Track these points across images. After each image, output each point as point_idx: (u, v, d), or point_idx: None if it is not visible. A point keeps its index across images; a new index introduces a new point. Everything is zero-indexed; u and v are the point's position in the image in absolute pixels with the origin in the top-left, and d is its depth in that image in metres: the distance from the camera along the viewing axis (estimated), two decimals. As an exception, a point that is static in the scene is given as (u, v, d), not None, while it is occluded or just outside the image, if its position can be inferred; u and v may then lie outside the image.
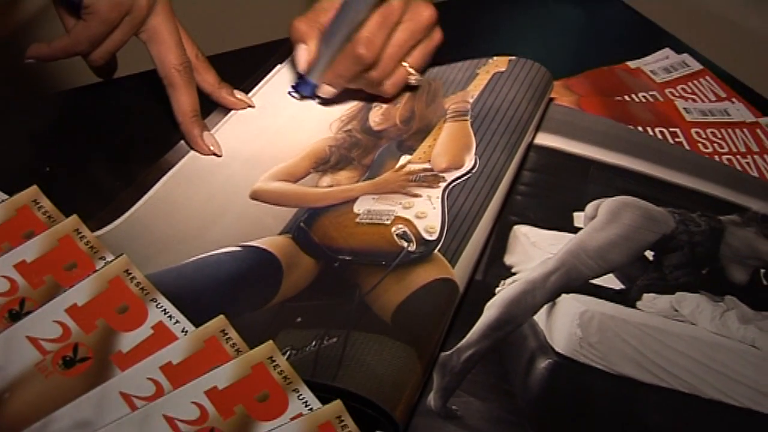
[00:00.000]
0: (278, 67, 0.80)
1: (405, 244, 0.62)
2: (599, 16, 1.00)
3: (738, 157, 0.80)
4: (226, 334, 0.53)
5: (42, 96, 0.91)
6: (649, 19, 0.99)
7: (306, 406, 0.51)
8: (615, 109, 0.82)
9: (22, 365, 0.49)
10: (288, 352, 0.54)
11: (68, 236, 0.55)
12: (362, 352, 0.55)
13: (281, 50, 0.80)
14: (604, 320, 0.63)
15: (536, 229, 0.69)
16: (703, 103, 0.86)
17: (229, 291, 0.59)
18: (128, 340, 0.52)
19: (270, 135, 0.73)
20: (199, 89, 0.73)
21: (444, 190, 0.67)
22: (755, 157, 0.81)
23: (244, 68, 0.79)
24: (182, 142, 0.71)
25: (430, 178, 0.68)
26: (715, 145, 0.81)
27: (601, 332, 0.62)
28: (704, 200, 0.74)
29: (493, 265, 0.66)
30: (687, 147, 0.80)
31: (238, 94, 0.75)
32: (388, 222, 0.64)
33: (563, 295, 0.64)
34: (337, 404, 0.50)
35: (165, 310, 0.54)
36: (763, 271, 0.69)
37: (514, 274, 0.65)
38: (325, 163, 0.71)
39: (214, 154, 0.70)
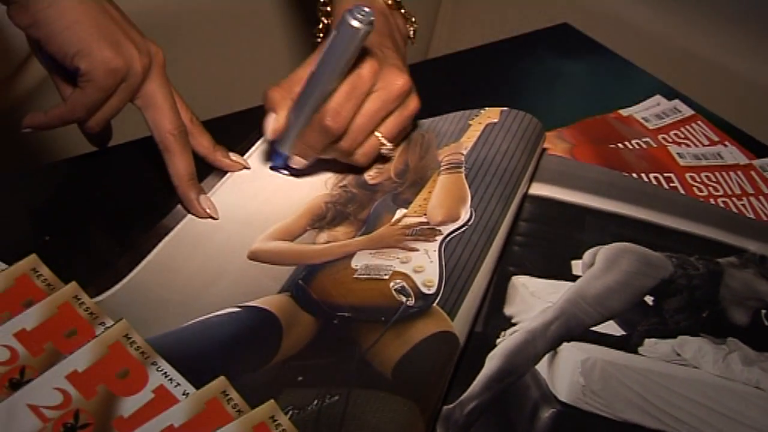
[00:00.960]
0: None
1: (403, 299, 0.63)
2: (589, 65, 1.01)
3: (734, 199, 0.81)
4: (227, 395, 0.53)
5: (39, 167, 0.92)
6: (638, 67, 1.00)
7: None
8: (608, 157, 0.83)
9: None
10: (290, 412, 0.54)
11: (67, 303, 0.56)
12: (364, 410, 0.55)
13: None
14: (607, 367, 0.63)
15: (535, 278, 0.69)
16: (697, 147, 0.87)
17: (230, 352, 0.59)
18: (129, 405, 0.52)
19: (266, 195, 0.74)
20: (194, 153, 0.74)
21: (441, 244, 0.67)
22: (750, 198, 0.81)
23: (237, 132, 0.80)
24: (179, 206, 0.71)
25: (426, 232, 0.68)
26: (710, 188, 0.81)
27: (604, 380, 0.62)
28: (701, 243, 0.74)
29: (493, 317, 0.66)
30: (682, 191, 0.80)
31: (234, 156, 0.76)
32: (386, 277, 0.64)
33: (564, 344, 0.64)
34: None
35: (165, 373, 0.54)
36: (764, 311, 0.69)
37: (514, 324, 0.65)
38: (322, 219, 0.71)
39: (211, 217, 0.71)
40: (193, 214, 0.71)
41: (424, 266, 0.65)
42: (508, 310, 0.66)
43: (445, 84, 0.77)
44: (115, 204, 0.74)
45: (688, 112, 0.93)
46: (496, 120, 0.78)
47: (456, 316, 0.62)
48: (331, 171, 0.76)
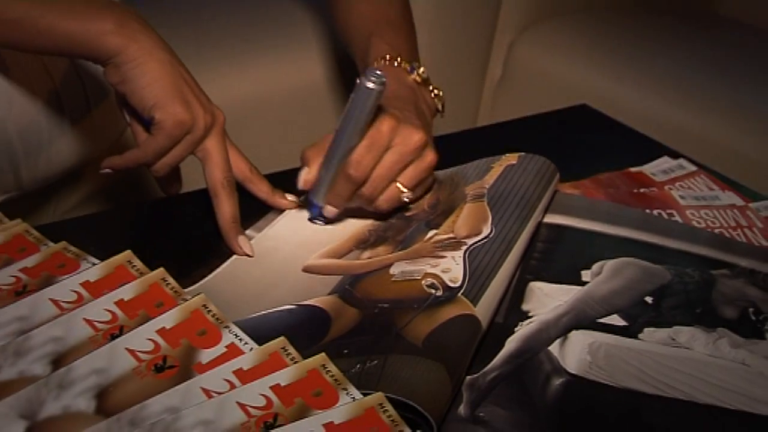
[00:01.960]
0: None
1: (433, 291, 0.74)
2: (603, 136, 1.14)
3: (729, 230, 0.91)
4: (287, 350, 0.64)
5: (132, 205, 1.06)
6: (647, 136, 1.13)
7: (353, 400, 0.61)
8: (616, 198, 0.95)
9: (122, 369, 0.61)
10: (337, 370, 0.65)
11: (156, 283, 0.69)
12: (399, 368, 0.66)
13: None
14: (610, 348, 0.73)
15: (549, 284, 0.80)
16: (697, 191, 0.98)
17: (287, 336, 0.71)
18: (206, 355, 0.64)
19: (316, 227, 0.86)
20: (256, 197, 0.87)
21: (465, 251, 0.79)
22: (744, 230, 0.91)
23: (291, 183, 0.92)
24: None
25: (453, 244, 0.80)
26: (708, 221, 0.92)
27: (608, 357, 0.72)
28: (697, 260, 0.84)
29: (511, 311, 0.77)
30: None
31: (289, 197, 0.89)
32: (419, 277, 0.76)
33: (574, 331, 0.74)
34: (378, 395, 0.61)
35: (236, 334, 0.66)
36: (751, 309, 0.79)
37: (530, 317, 0.76)
38: (365, 242, 0.84)
39: (247, 255, 0.82)
40: (233, 251, 0.82)
41: (450, 268, 0.77)
42: (525, 307, 0.77)
43: (486, 147, 0.91)
44: (191, 234, 0.87)
45: (691, 168, 1.04)
46: (514, 162, 0.91)
47: (478, 303, 0.73)
48: (359, 217, 0.87)
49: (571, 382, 0.70)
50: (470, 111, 1.70)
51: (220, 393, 0.60)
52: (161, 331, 0.64)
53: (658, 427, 0.67)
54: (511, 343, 0.73)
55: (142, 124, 0.83)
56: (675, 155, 1.07)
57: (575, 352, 0.72)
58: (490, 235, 0.81)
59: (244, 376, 0.62)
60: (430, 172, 0.86)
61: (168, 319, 0.65)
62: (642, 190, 0.99)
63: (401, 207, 0.86)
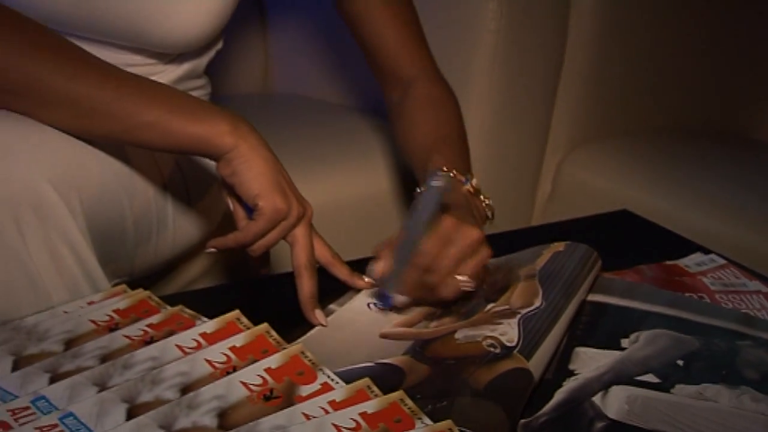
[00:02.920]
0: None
1: (492, 349, 0.87)
2: (643, 237, 1.28)
3: (755, 311, 1.03)
4: (371, 388, 0.77)
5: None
6: (682, 236, 1.26)
7: (426, 425, 0.74)
8: (653, 284, 1.07)
9: (237, 397, 0.75)
10: (412, 406, 0.78)
11: (262, 335, 0.83)
12: (464, 408, 0.79)
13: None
14: (646, 400, 0.85)
15: (592, 348, 0.92)
16: (726, 280, 1.11)
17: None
18: (305, 390, 0.77)
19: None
20: (337, 278, 1.02)
21: (519, 319, 0.92)
22: (769, 312, 1.03)
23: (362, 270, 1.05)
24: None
25: (509, 313, 0.93)
26: (735, 304, 1.04)
27: (644, 406, 0.84)
28: (723, 332, 0.96)
29: (559, 370, 0.89)
30: (711, 304, 1.03)
31: (366, 279, 1.03)
32: (480, 339, 0.89)
33: (614, 386, 0.86)
34: (448, 422, 0.73)
35: (329, 376, 0.79)
36: (773, 373, 0.90)
37: (576, 374, 0.88)
38: (432, 315, 0.97)
39: (321, 325, 0.94)
40: (309, 321, 0.95)
41: (507, 331, 0.90)
42: (571, 366, 0.89)
43: (536, 244, 1.07)
44: (281, 309, 1.01)
45: (721, 261, 1.17)
46: (562, 249, 1.05)
47: (531, 359, 0.85)
48: (426, 305, 0.99)
49: (611, 426, 0.81)
50: (523, 220, 1.87)
51: (317, 417, 0.73)
52: (268, 370, 0.78)
53: (687, 462, 0.78)
54: (559, 395, 0.85)
55: (244, 210, 0.98)
56: (707, 251, 1.20)
57: (615, 402, 0.84)
58: (541, 307, 0.94)
59: (337, 406, 0.75)
60: (486, 263, 0.98)
61: (273, 361, 0.79)
62: (676, 278, 1.11)
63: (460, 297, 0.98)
